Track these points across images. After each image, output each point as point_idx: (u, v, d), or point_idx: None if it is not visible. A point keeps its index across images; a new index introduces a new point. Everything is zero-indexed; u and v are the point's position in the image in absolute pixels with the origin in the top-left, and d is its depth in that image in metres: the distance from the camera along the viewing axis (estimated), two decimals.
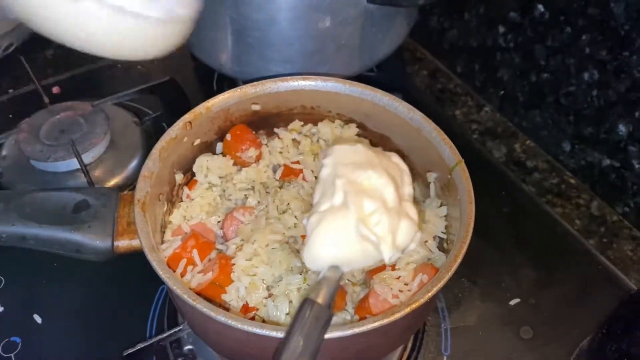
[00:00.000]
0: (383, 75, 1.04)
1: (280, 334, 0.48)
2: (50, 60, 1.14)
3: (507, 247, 0.84)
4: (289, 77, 0.70)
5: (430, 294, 0.51)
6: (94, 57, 1.11)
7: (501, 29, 0.98)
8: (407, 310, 0.50)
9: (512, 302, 0.78)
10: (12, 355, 0.70)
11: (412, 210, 0.58)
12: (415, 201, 0.69)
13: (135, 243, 0.58)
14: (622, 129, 0.84)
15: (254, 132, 0.72)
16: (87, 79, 1.10)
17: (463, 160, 0.62)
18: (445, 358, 0.73)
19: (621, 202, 0.88)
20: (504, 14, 0.96)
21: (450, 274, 0.52)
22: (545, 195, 0.92)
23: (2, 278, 0.77)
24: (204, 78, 1.06)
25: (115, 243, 0.58)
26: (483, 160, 0.97)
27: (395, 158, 0.63)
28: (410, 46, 1.19)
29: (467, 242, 0.55)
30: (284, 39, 0.82)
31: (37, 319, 0.73)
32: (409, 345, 0.73)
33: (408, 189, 0.61)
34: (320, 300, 0.48)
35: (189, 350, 0.70)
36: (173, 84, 1.03)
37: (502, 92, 1.03)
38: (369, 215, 0.54)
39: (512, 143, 1.00)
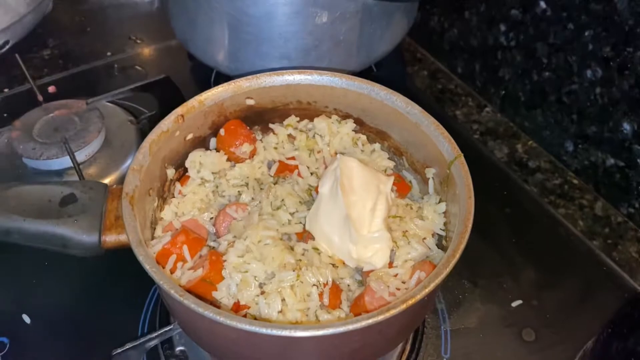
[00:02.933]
0: (382, 74, 1.03)
1: (271, 331, 0.46)
2: (47, 60, 1.12)
3: (508, 248, 0.82)
4: (284, 71, 0.68)
5: (427, 290, 0.49)
6: (90, 57, 1.13)
7: (502, 27, 0.96)
8: (403, 306, 0.48)
9: (514, 304, 0.75)
10: (0, 355, 0.68)
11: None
12: (413, 199, 0.68)
13: (123, 238, 0.56)
14: (626, 127, 0.82)
15: (248, 128, 0.70)
16: (83, 78, 1.09)
17: (462, 154, 0.60)
18: None
19: (626, 203, 0.86)
20: (505, 12, 0.94)
21: (448, 270, 0.50)
22: (548, 195, 0.90)
23: None
24: (200, 76, 1.04)
25: (103, 237, 0.56)
26: (484, 160, 0.95)
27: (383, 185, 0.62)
28: (410, 47, 1.17)
29: (466, 237, 0.53)
30: (280, 34, 0.81)
31: (26, 319, 0.72)
32: (408, 347, 0.71)
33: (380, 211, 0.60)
34: None
35: (181, 351, 0.68)
36: (169, 83, 1.02)
37: (503, 91, 1.01)
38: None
39: (514, 143, 0.98)
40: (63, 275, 0.75)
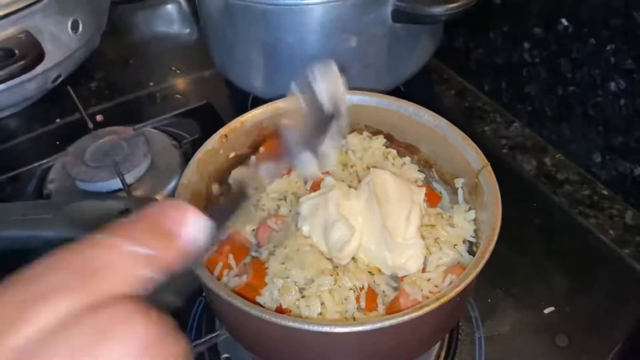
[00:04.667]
0: (410, 94, 1.06)
1: (312, 327, 0.50)
2: (94, 91, 1.20)
3: (540, 258, 0.84)
4: None
5: (458, 289, 0.52)
6: (134, 87, 1.20)
7: (526, 45, 0.99)
8: (436, 304, 0.51)
9: (547, 311, 0.77)
10: None
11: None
12: (444, 209, 0.71)
13: None
14: None
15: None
16: (128, 107, 1.16)
17: (489, 163, 0.63)
18: None
19: None
20: (528, 30, 0.98)
21: (478, 270, 0.53)
22: (577, 206, 0.92)
23: None
24: (238, 102, 1.10)
25: None
26: (514, 174, 0.98)
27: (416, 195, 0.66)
28: (437, 68, 1.21)
29: (494, 239, 0.56)
30: (313, 58, 0.85)
31: None
32: (443, 352, 0.73)
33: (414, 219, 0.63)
34: None
35: (226, 358, 0.72)
36: (209, 108, 1.08)
37: (530, 107, 1.04)
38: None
39: (542, 157, 1.01)
40: None
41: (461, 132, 0.66)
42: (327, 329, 0.50)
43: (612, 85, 0.87)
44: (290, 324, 0.50)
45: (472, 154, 0.65)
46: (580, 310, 0.77)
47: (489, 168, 0.63)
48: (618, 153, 0.91)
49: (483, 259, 0.54)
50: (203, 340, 0.70)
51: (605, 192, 0.94)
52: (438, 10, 0.81)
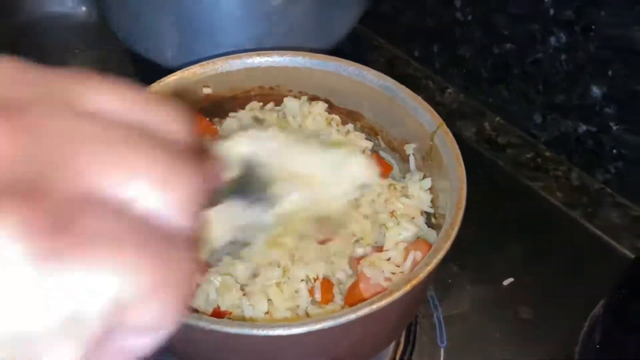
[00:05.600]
0: None
1: (260, 331, 0.40)
2: None
3: (491, 227, 0.78)
4: (242, 54, 0.63)
5: (430, 268, 0.44)
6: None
7: (458, 3, 0.93)
8: (408, 287, 0.43)
9: (506, 282, 0.72)
10: None
11: None
12: (395, 179, 0.63)
13: None
14: (595, 91, 0.80)
15: (208, 119, 0.64)
16: None
17: (444, 122, 0.56)
18: (442, 350, 0.66)
19: (601, 169, 0.84)
20: None
21: (449, 243, 0.46)
22: (522, 170, 0.87)
23: None
24: (151, 78, 0.97)
25: None
26: None
27: None
28: (365, 34, 1.13)
29: (463, 207, 0.49)
30: (233, 21, 0.75)
31: None
32: (402, 340, 0.66)
33: None
34: None
35: None
36: None
37: (464, 70, 0.98)
38: None
39: (481, 121, 0.95)
40: None
41: (410, 91, 0.59)
42: (280, 331, 0.40)
43: (552, 39, 0.82)
44: (231, 329, 0.40)
45: (425, 115, 0.57)
46: (540, 278, 0.72)
47: (445, 128, 0.56)
48: (559, 112, 0.87)
49: (453, 230, 0.47)
50: None
51: (548, 154, 0.90)
52: None
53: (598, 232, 0.78)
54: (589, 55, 0.79)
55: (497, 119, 0.95)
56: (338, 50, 0.93)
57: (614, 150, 0.82)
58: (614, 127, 0.80)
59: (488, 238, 0.77)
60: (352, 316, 0.41)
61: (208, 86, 0.63)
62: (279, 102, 0.66)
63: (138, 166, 0.20)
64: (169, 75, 0.61)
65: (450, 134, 0.55)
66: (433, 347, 0.66)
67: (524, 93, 0.90)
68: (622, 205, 0.82)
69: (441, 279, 0.72)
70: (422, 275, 0.44)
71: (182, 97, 0.62)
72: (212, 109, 0.65)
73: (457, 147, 0.53)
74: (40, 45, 1.13)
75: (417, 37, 1.04)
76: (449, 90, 1.01)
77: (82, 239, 0.17)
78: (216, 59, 0.62)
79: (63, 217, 0.17)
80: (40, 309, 0.17)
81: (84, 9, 1.26)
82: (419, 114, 0.57)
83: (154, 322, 0.20)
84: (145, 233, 0.19)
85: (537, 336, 0.67)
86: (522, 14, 0.85)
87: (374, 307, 0.41)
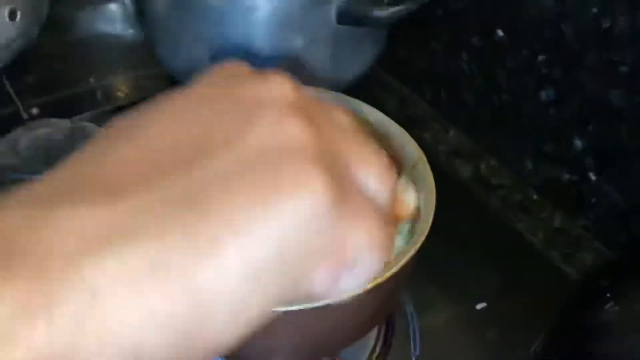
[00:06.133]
0: None
1: None
2: (31, 85, 1.16)
3: (474, 257, 0.87)
4: None
5: (407, 258, 0.53)
6: (74, 83, 1.17)
7: (464, 55, 1.03)
8: (388, 275, 0.50)
9: (479, 307, 0.80)
10: None
11: None
12: None
13: None
14: (577, 143, 0.89)
15: None
16: (67, 101, 1.13)
17: (423, 152, 0.65)
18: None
19: (583, 215, 0.92)
20: (466, 40, 1.02)
21: (423, 237, 0.55)
22: (510, 209, 0.96)
23: None
24: None
25: None
26: (450, 178, 1.01)
27: None
28: (379, 76, 1.24)
29: (432, 211, 0.57)
30: (259, 59, 0.86)
31: None
32: (377, 350, 0.74)
33: None
34: None
35: None
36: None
37: (467, 115, 1.08)
38: None
39: (478, 162, 1.04)
40: None
41: (396, 124, 0.69)
42: None
43: (543, 94, 0.91)
44: None
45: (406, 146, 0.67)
46: (510, 307, 0.80)
47: (424, 158, 0.65)
48: (548, 160, 0.95)
49: (427, 224, 0.55)
50: None
51: (535, 197, 0.98)
52: (382, 13, 0.84)
53: (572, 272, 0.85)
54: (573, 112, 0.87)
55: (493, 161, 1.04)
56: (352, 89, 1.04)
57: (593, 199, 0.89)
58: (593, 178, 0.88)
59: (470, 266, 0.85)
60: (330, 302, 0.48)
61: None
62: None
63: (374, 161, 0.29)
64: None
65: (428, 166, 0.64)
66: (406, 356, 0.74)
67: (517, 140, 0.99)
68: (598, 250, 0.90)
69: (421, 298, 0.80)
70: (402, 262, 0.52)
71: None
72: None
73: (431, 176, 0.62)
74: (89, 60, 1.26)
75: (428, 81, 1.14)
76: (452, 132, 1.11)
77: (356, 206, 0.26)
78: None
79: (345, 190, 0.26)
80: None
81: (131, 31, 1.39)
82: (401, 144, 0.67)
83: (362, 271, 0.28)
84: (377, 209, 0.28)
85: (504, 357, 0.75)
86: (518, 70, 0.94)
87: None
